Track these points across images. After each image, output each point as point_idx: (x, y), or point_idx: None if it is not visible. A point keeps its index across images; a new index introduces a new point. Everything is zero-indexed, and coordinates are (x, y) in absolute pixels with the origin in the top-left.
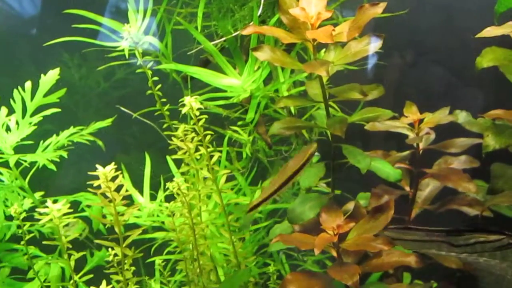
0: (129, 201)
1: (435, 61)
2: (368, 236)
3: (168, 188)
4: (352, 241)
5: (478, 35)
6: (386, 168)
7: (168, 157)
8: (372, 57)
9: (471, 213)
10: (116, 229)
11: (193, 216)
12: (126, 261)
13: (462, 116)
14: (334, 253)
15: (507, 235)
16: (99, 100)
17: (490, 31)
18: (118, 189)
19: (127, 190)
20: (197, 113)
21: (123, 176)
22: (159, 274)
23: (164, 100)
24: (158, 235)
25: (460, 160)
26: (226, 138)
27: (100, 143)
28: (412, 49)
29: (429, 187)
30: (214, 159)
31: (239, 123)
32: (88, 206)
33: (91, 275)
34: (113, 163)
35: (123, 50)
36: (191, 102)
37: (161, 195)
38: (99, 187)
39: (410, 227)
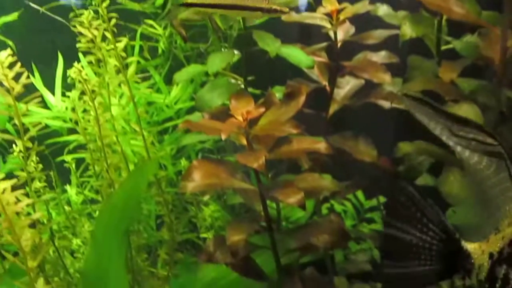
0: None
1: None
2: (278, 121)
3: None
4: (262, 126)
5: None
6: (299, 54)
7: (80, 53)
8: None
9: (386, 105)
10: (16, 121)
11: (97, 105)
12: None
13: (382, 9)
14: (244, 141)
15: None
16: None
17: None
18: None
19: (28, 77)
20: None
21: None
22: (74, 176)
23: None
24: (71, 137)
25: (379, 55)
26: (139, 32)
27: (10, 43)
28: None
29: (349, 85)
30: (121, 45)
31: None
32: None
33: None
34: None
35: None
36: None
37: (74, 94)
38: None
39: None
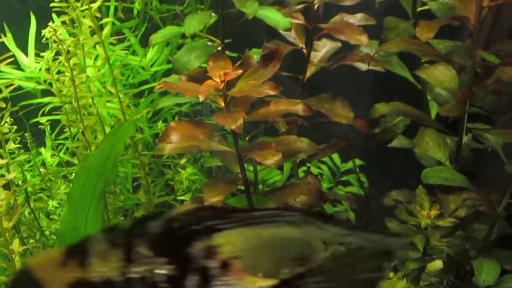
0: (15, 65)
1: None
2: (256, 82)
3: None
4: (239, 88)
5: None
6: (276, 16)
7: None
8: None
9: (363, 68)
10: None
11: (72, 66)
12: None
13: None
14: (222, 103)
15: None
16: None
17: None
18: None
19: None
20: None
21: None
22: (49, 138)
23: None
24: (46, 99)
25: (356, 17)
26: None
27: None
28: None
29: (325, 48)
30: (96, 5)
31: None
32: None
33: None
34: None
35: None
36: None
37: (48, 55)
38: None
39: None
